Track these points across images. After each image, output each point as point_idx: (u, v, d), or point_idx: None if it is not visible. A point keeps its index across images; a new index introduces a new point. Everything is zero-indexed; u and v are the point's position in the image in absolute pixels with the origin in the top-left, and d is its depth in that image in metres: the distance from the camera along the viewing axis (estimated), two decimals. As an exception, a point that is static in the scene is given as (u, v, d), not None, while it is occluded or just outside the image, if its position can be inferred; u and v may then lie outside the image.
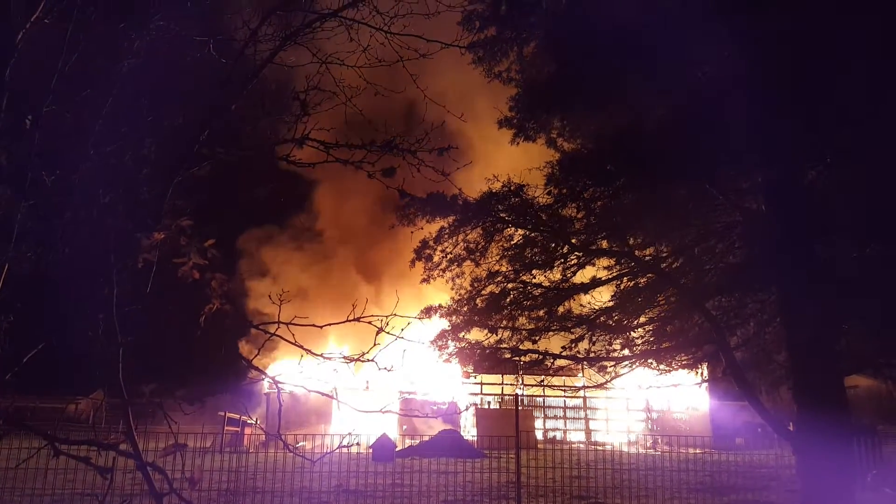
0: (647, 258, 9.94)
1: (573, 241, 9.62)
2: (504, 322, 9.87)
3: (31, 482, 10.09)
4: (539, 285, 9.80)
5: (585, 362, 10.78)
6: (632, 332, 10.19)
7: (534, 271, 9.76)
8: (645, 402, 30.48)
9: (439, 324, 10.08)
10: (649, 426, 30.32)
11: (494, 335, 9.96)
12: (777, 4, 7.80)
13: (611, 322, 9.98)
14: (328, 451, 4.40)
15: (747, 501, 11.76)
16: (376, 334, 3.31)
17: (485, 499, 11.63)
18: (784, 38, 7.48)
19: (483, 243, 9.81)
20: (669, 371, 10.46)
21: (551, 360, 10.24)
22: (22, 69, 2.82)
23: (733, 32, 8.06)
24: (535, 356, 10.02)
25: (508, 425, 13.39)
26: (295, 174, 35.87)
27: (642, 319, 10.33)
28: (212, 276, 2.70)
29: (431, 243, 9.85)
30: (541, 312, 9.88)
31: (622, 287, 9.99)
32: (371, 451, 18.54)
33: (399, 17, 4.15)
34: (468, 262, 9.97)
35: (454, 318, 9.92)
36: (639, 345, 10.15)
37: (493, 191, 9.58)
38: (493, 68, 10.21)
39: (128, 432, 2.62)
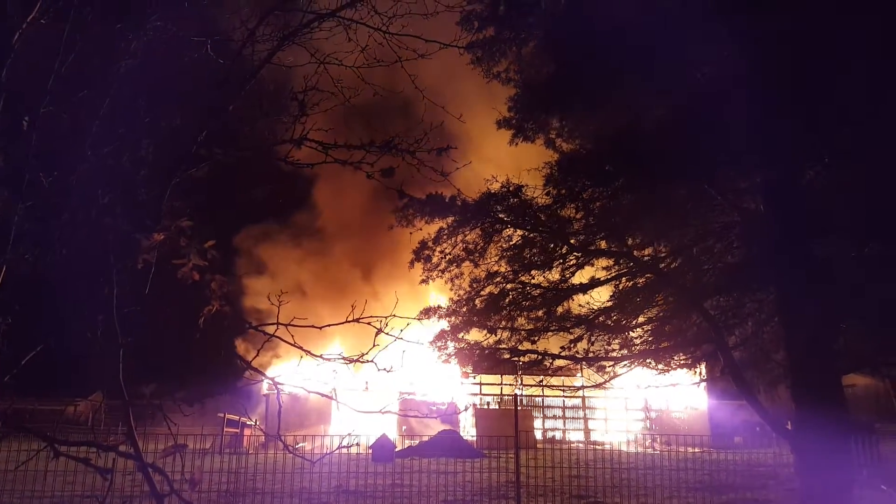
0: (646, 258, 9.95)
1: (572, 241, 9.63)
2: (503, 322, 9.88)
3: (31, 484, 10.08)
4: (538, 286, 9.81)
5: (584, 362, 10.78)
6: (630, 332, 10.20)
7: (533, 272, 9.77)
8: (644, 402, 30.51)
9: (439, 324, 10.09)
10: (648, 425, 30.34)
11: (493, 335, 9.96)
12: (777, 4, 7.80)
13: (609, 322, 9.98)
14: (328, 451, 4.39)
15: (746, 500, 11.77)
16: (375, 335, 3.30)
17: (484, 498, 11.63)
18: (784, 38, 7.49)
19: (482, 244, 9.82)
20: (668, 370, 10.47)
21: (550, 360, 10.24)
22: (19, 70, 2.81)
23: (733, 32, 8.06)
24: (533, 356, 10.02)
25: (507, 425, 13.40)
26: (294, 174, 35.84)
27: (641, 319, 10.34)
28: (212, 277, 2.69)
29: (430, 244, 9.85)
30: (540, 313, 9.88)
31: (621, 287, 10.00)
32: (371, 451, 18.54)
33: (397, 17, 4.15)
34: (467, 263, 9.98)
35: (453, 318, 9.92)
36: (637, 344, 10.16)
37: (492, 191, 9.59)
38: (491, 68, 10.21)
39: (128, 433, 2.61)
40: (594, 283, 9.86)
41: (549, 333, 10.04)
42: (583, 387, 24.86)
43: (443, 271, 10.02)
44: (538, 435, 28.55)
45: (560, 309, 9.90)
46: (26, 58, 2.86)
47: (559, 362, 10.70)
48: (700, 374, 11.80)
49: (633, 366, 10.35)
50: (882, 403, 28.24)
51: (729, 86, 8.31)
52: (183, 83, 3.75)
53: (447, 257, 9.93)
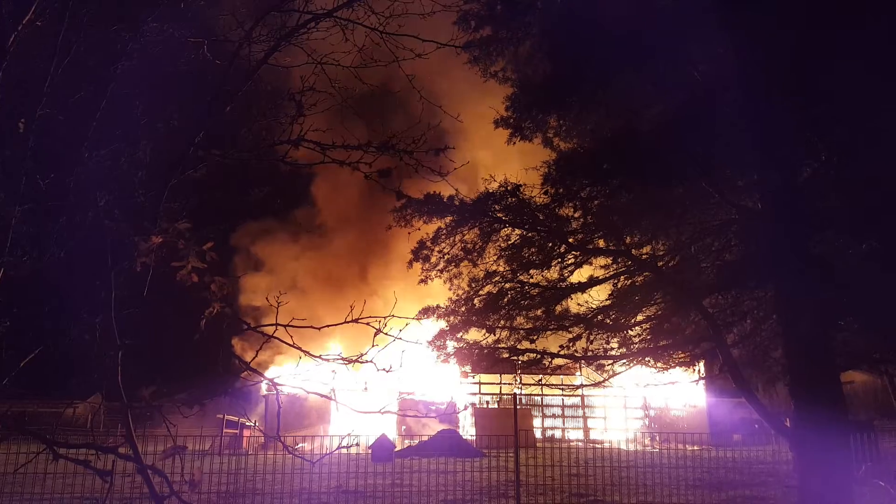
0: (644, 256, 9.95)
1: (570, 240, 9.63)
2: (502, 322, 9.87)
3: (31, 487, 10.06)
4: (536, 285, 9.80)
5: (583, 361, 10.79)
6: (629, 331, 10.20)
7: (531, 271, 9.76)
8: (643, 400, 30.55)
9: (437, 324, 10.08)
10: (647, 423, 30.38)
11: (492, 335, 9.96)
12: (776, 4, 7.80)
13: (608, 321, 9.99)
14: (327, 452, 4.39)
15: (745, 497, 11.79)
16: (374, 335, 3.30)
17: (484, 498, 11.63)
18: (781, 36, 7.49)
19: (480, 243, 9.81)
20: (667, 369, 10.48)
21: (549, 359, 10.24)
22: (14, 72, 2.80)
23: (731, 31, 8.07)
24: (532, 355, 10.02)
25: (507, 424, 13.41)
26: (291, 174, 35.75)
27: (639, 318, 10.34)
28: (211, 279, 2.69)
29: (429, 244, 9.84)
30: (538, 312, 9.88)
31: (619, 286, 10.01)
32: (370, 451, 18.54)
33: (394, 17, 4.15)
34: (466, 263, 9.97)
35: (452, 318, 9.92)
36: (636, 343, 10.17)
37: (490, 191, 9.58)
38: (488, 68, 10.20)
39: (128, 435, 2.61)
40: (593, 281, 9.87)
41: (548, 332, 10.04)
42: (582, 385, 24.91)
43: (441, 271, 10.02)
44: (538, 434, 28.58)
45: (559, 308, 9.91)
46: (22, 59, 2.85)
47: (558, 361, 10.70)
48: (699, 371, 11.83)
49: (631, 364, 10.36)
50: (881, 400, 28.29)
51: (726, 83, 8.32)
52: (180, 84, 3.75)
53: (445, 257, 9.92)
